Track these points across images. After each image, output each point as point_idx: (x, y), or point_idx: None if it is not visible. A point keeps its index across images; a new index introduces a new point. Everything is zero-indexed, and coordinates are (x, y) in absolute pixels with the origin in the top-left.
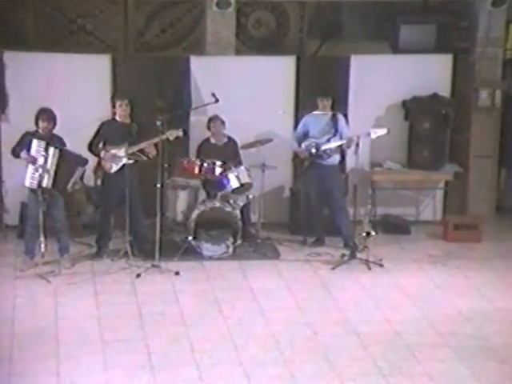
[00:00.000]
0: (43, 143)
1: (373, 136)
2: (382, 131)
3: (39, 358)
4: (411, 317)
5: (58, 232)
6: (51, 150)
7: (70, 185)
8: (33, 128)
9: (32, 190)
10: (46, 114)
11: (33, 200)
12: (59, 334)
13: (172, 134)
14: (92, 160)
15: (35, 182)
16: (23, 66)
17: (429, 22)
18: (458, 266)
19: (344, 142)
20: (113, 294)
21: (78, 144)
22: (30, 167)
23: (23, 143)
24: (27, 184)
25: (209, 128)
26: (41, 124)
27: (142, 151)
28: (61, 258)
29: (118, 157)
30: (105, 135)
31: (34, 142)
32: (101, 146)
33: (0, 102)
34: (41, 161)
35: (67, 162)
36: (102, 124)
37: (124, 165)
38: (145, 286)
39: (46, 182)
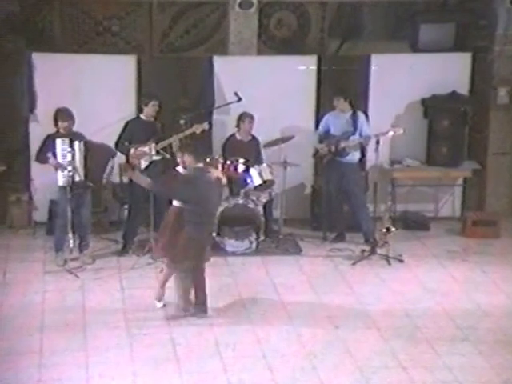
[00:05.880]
0: (67, 140)
1: (390, 134)
2: (399, 130)
3: (68, 351)
4: (431, 311)
5: (83, 228)
6: (76, 144)
7: (104, 176)
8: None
9: (64, 188)
10: (64, 114)
11: (64, 197)
12: (87, 327)
13: (198, 128)
14: (118, 158)
15: (69, 180)
16: (51, 67)
17: (448, 20)
18: (477, 262)
19: (362, 139)
20: (138, 289)
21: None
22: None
23: (46, 147)
24: (61, 183)
25: (238, 124)
26: (61, 124)
27: (166, 148)
28: (81, 254)
29: (146, 154)
30: (131, 133)
31: (58, 141)
32: (127, 144)
33: (29, 102)
34: (69, 157)
35: (95, 152)
36: (128, 123)
37: (151, 162)
38: (169, 280)
39: (79, 177)
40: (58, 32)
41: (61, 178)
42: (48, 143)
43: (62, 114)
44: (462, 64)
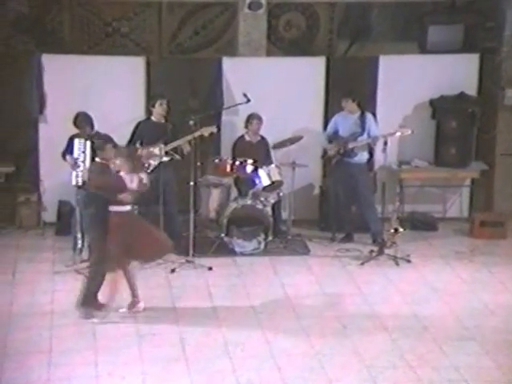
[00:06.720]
0: (83, 140)
1: (397, 134)
2: (406, 131)
3: (77, 350)
4: (438, 311)
5: None
6: (87, 145)
7: None
8: (71, 128)
9: (75, 187)
10: (81, 120)
11: (75, 197)
12: (96, 326)
13: (206, 131)
14: None
15: (80, 180)
16: (60, 68)
17: (456, 22)
18: (484, 262)
19: (370, 140)
20: (148, 289)
21: None
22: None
23: (69, 147)
24: (73, 182)
25: (246, 125)
26: (78, 130)
27: (175, 149)
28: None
29: (155, 155)
30: (141, 134)
31: (76, 141)
32: (138, 145)
33: (38, 103)
34: (81, 158)
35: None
36: (139, 124)
37: (160, 163)
38: (179, 280)
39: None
40: (68, 33)
41: (73, 178)
42: (69, 143)
43: (80, 120)
44: (470, 65)
